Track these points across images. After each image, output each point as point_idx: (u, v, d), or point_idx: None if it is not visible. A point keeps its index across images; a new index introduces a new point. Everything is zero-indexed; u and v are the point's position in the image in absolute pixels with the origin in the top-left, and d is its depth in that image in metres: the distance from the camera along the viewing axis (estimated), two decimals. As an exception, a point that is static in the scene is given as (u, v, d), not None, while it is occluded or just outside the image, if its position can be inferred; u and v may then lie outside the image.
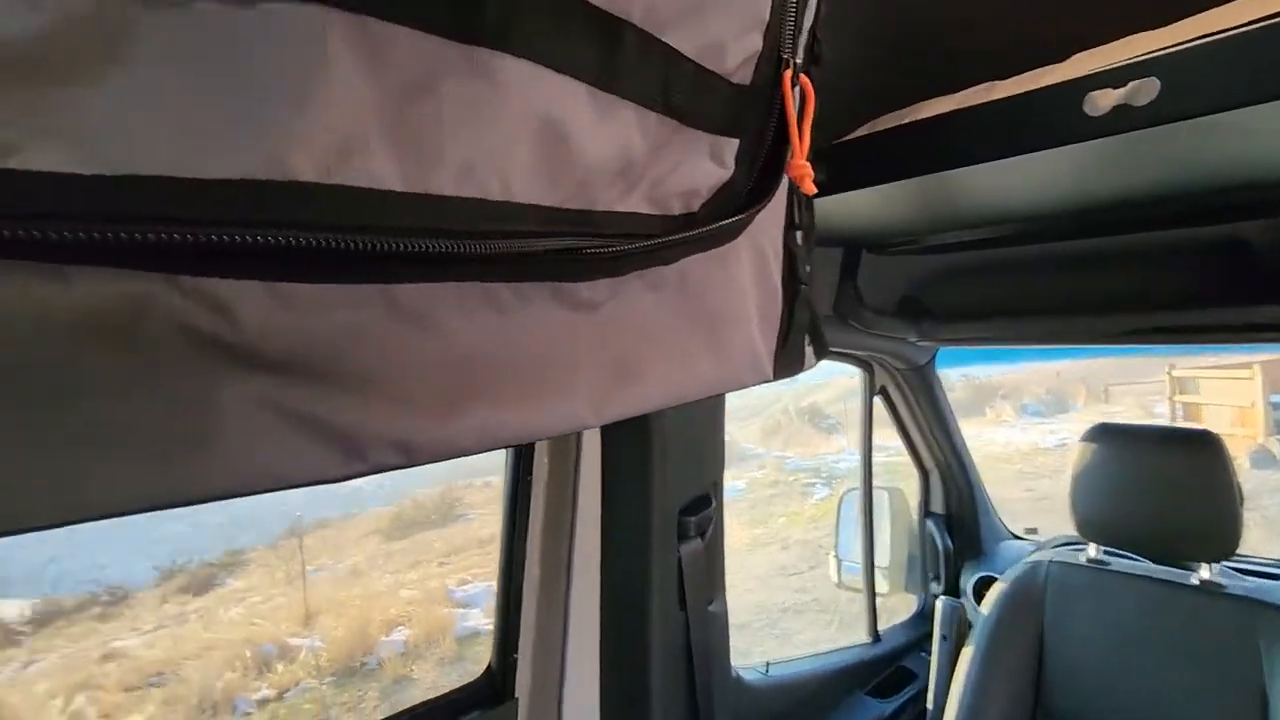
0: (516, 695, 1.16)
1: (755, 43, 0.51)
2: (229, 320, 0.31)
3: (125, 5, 0.24)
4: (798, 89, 0.56)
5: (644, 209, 0.47)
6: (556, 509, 1.18)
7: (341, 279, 0.33)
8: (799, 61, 0.54)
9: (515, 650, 1.17)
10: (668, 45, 0.44)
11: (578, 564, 1.18)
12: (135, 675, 6.91)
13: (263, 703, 5.93)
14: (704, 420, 1.24)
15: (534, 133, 0.37)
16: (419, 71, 0.31)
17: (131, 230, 0.25)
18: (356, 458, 0.36)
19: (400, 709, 1.05)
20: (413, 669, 5.72)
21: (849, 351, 1.88)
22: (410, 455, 0.39)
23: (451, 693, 1.13)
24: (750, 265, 0.60)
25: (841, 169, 0.94)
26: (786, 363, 0.67)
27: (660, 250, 0.48)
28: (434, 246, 0.33)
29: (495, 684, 1.17)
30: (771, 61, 0.53)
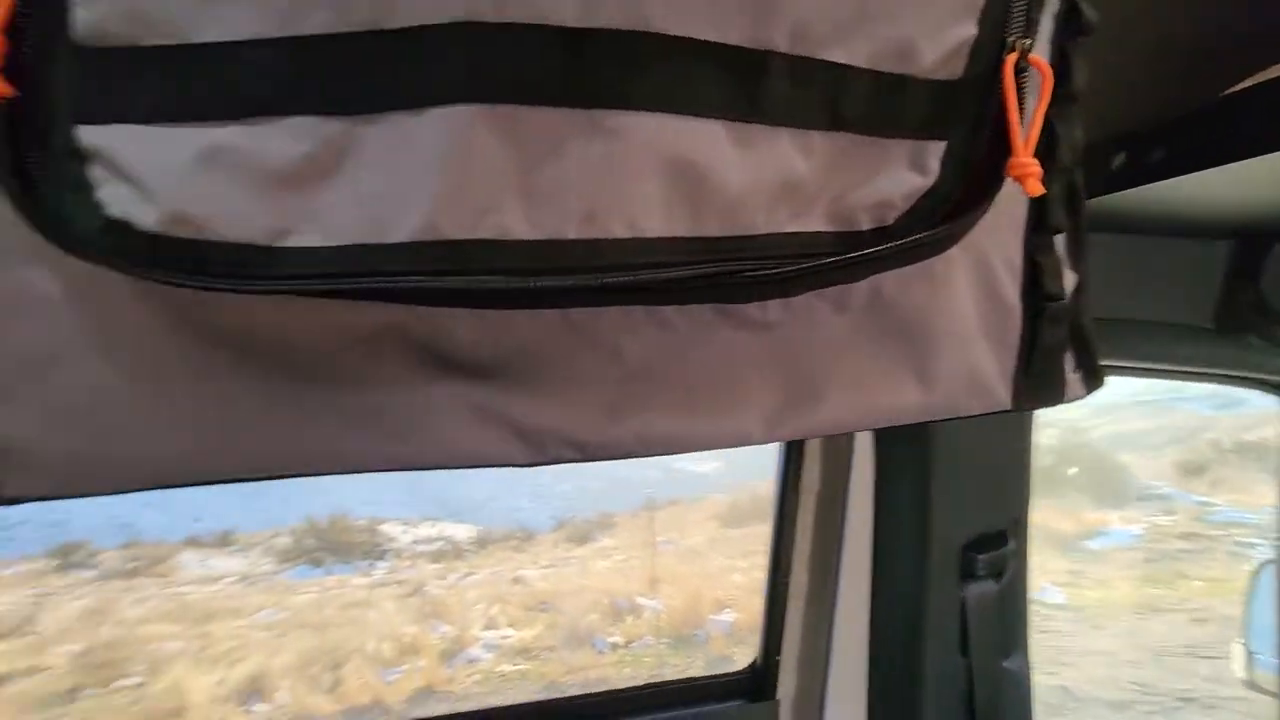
0: (778, 697, 1.19)
1: (967, 30, 0.45)
2: (449, 338, 0.43)
3: (352, 126, 0.36)
4: (1031, 73, 0.47)
5: (822, 226, 0.47)
6: (825, 521, 1.17)
7: (521, 305, 0.43)
8: (1029, 42, 0.46)
9: (778, 652, 1.19)
10: (828, 63, 0.42)
11: (846, 579, 1.14)
12: (530, 599, 8.76)
13: (614, 646, 6.93)
14: (1003, 445, 1.08)
15: (663, 174, 0.40)
16: (547, 140, 0.38)
17: (392, 282, 0.38)
18: (536, 449, 0.45)
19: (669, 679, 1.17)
20: (734, 651, 6.03)
21: (1255, 376, 1.39)
22: (583, 452, 0.47)
23: (717, 676, 1.21)
24: (969, 280, 0.52)
25: (1195, 143, 0.74)
26: (1034, 391, 0.57)
27: (841, 268, 0.47)
28: (553, 283, 0.40)
29: (758, 679, 1.21)
30: (991, 48, 0.46)
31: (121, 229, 0.34)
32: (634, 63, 0.38)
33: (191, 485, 0.41)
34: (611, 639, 6.81)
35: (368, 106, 0.36)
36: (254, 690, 6.86)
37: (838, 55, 0.43)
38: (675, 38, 0.38)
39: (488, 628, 7.62)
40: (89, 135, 0.34)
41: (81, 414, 0.38)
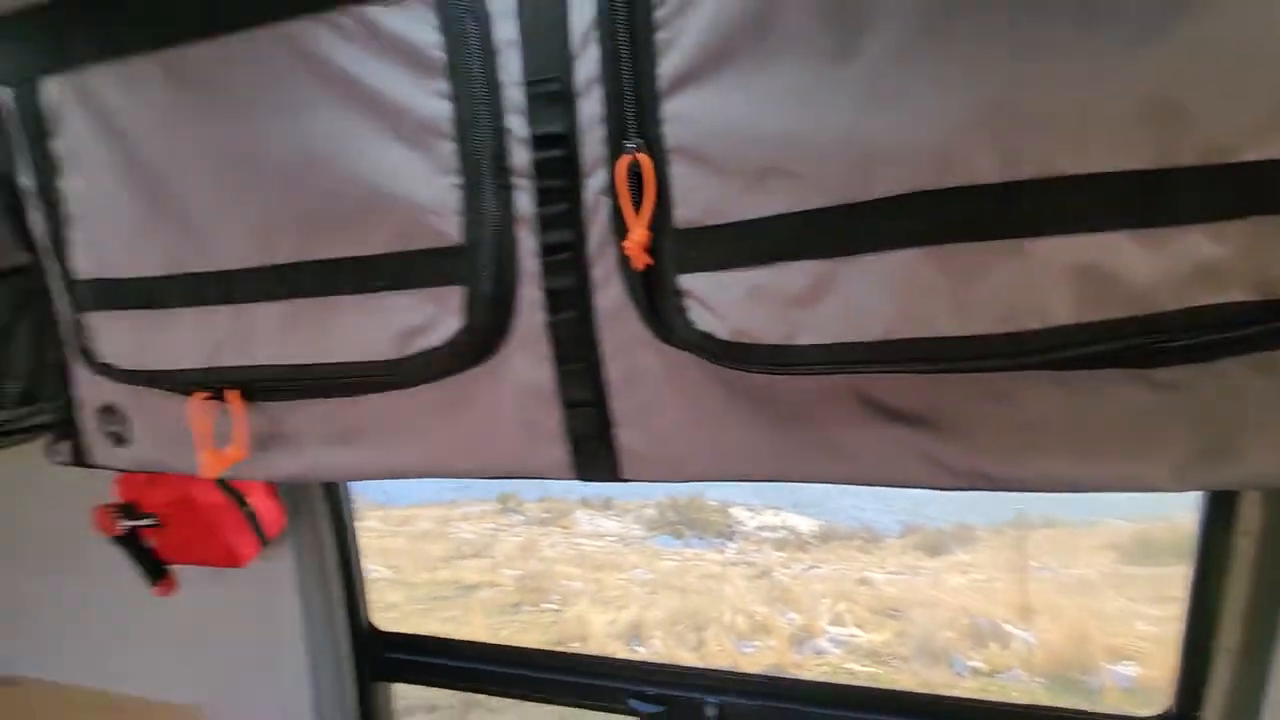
0: (1198, 757, 1.08)
1: None
2: (890, 395, 0.60)
3: (836, 266, 0.55)
4: None
5: (1244, 297, 0.49)
6: (1268, 567, 1.02)
7: (945, 372, 0.57)
8: None
9: (1196, 708, 1.09)
10: (1242, 164, 0.46)
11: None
12: (876, 603, 8.54)
13: (975, 671, 6.35)
14: None
15: (1071, 279, 0.49)
16: (974, 266, 0.51)
17: (866, 368, 0.57)
18: (952, 477, 0.59)
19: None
20: (1133, 709, 5.02)
21: None
22: (991, 483, 0.59)
23: (1128, 717, 1.16)
24: None
25: None
26: None
27: (1264, 336, 0.49)
28: (972, 366, 0.53)
29: (1172, 732, 1.12)
30: None
31: (708, 337, 0.59)
32: (1046, 201, 0.49)
33: (732, 481, 0.67)
34: (971, 663, 6.28)
35: (847, 251, 0.54)
36: (634, 634, 8.09)
37: (1251, 155, 0.45)
38: (1081, 175, 0.48)
39: (834, 623, 7.73)
40: (684, 280, 0.60)
41: (670, 436, 0.66)
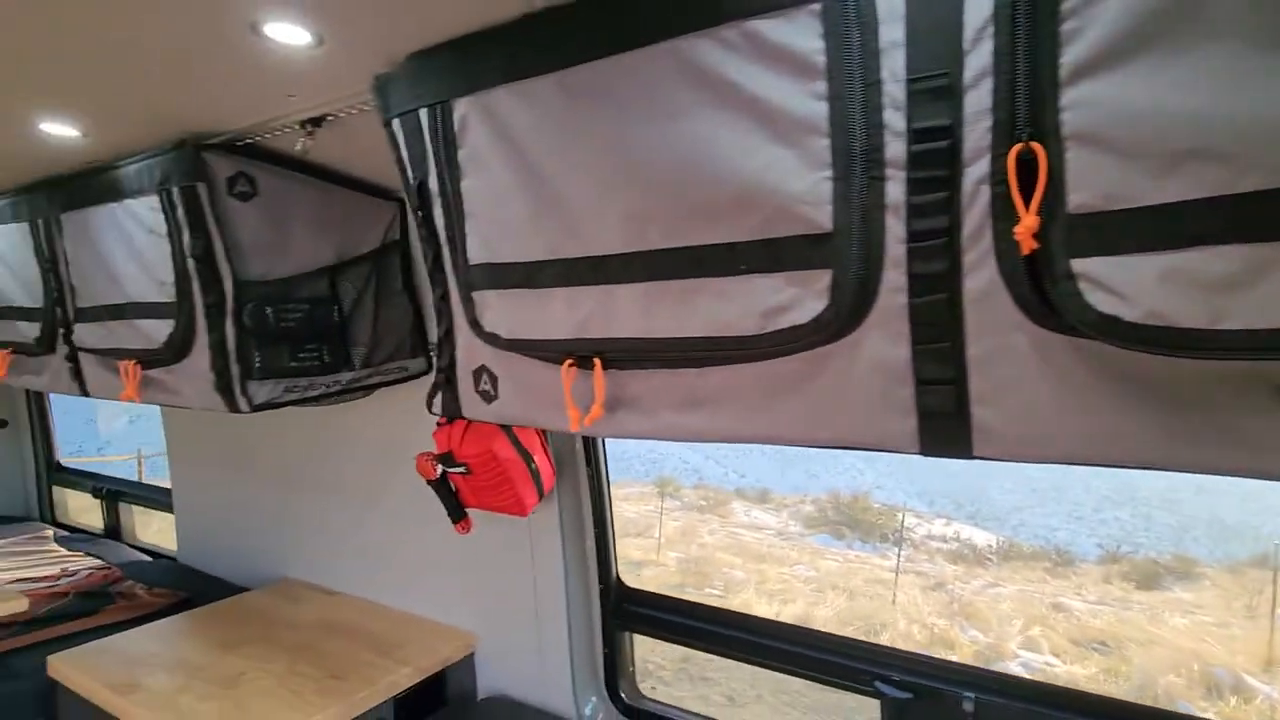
0: None
1: None
2: None
3: (1272, 253, 0.54)
4: None
5: None
6: None
7: None
8: None
9: None
10: None
11: None
12: (1078, 633, 7.68)
13: (1208, 725, 5.53)
14: None
15: None
16: None
17: None
18: None
19: None
20: None
21: None
22: None
23: None
24: None
25: None
26: None
27: None
28: None
29: None
30: None
31: (1112, 320, 0.60)
32: None
33: (1094, 466, 0.67)
34: (1205, 715, 5.46)
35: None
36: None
37: None
38: None
39: (1026, 647, 7.07)
40: (1078, 264, 0.62)
41: (1033, 416, 0.68)
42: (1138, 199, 0.59)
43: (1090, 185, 0.61)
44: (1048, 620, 7.84)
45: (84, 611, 2.18)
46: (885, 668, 1.40)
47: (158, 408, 2.29)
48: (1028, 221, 0.63)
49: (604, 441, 1.74)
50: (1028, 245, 0.63)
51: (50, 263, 1.74)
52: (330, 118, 1.25)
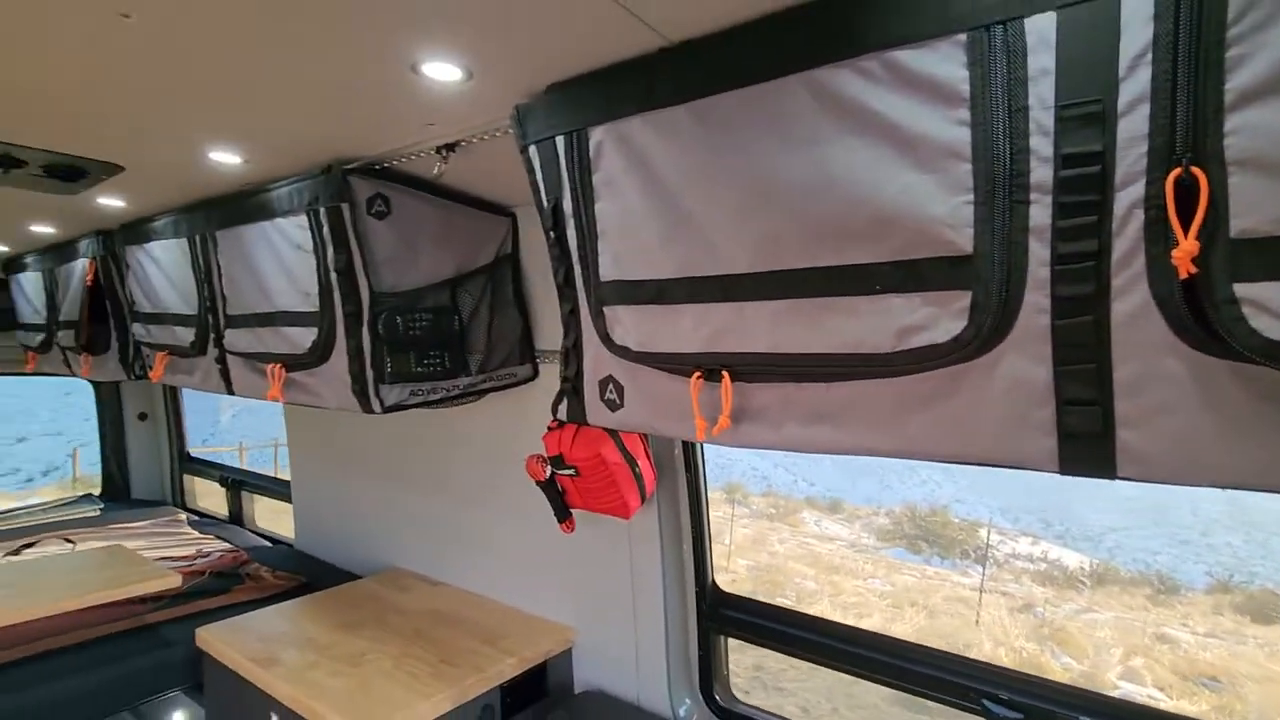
0: None
1: None
2: None
3: None
4: None
5: None
6: None
7: None
8: None
9: None
10: None
11: None
12: (1186, 666, 7.13)
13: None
14: None
15: None
16: None
17: None
18: None
19: None
20: None
21: None
22: None
23: None
24: None
25: None
26: None
27: None
28: None
29: None
30: None
31: (1278, 345, 0.60)
32: None
33: (1249, 490, 0.67)
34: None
35: None
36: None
37: None
38: None
39: (1126, 678, 6.61)
40: (1241, 289, 0.62)
41: (1185, 439, 0.68)
42: None
43: (1255, 210, 0.61)
44: (1150, 651, 7.34)
45: (218, 589, 2.40)
46: (994, 686, 1.38)
47: (257, 405, 2.50)
48: (1186, 245, 0.63)
49: (703, 449, 1.78)
50: (1185, 269, 0.64)
51: (205, 274, 1.94)
52: (463, 143, 1.35)
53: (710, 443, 1.05)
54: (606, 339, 1.11)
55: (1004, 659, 7.10)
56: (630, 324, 1.07)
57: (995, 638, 7.74)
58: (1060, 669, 6.86)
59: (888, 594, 10.39)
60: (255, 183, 1.70)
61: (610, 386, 1.15)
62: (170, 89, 1.16)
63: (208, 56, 1.04)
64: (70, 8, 0.89)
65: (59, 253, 2.62)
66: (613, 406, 1.15)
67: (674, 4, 0.87)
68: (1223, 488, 0.68)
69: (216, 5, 0.88)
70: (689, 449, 1.76)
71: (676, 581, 1.81)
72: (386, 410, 1.58)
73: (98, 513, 3.47)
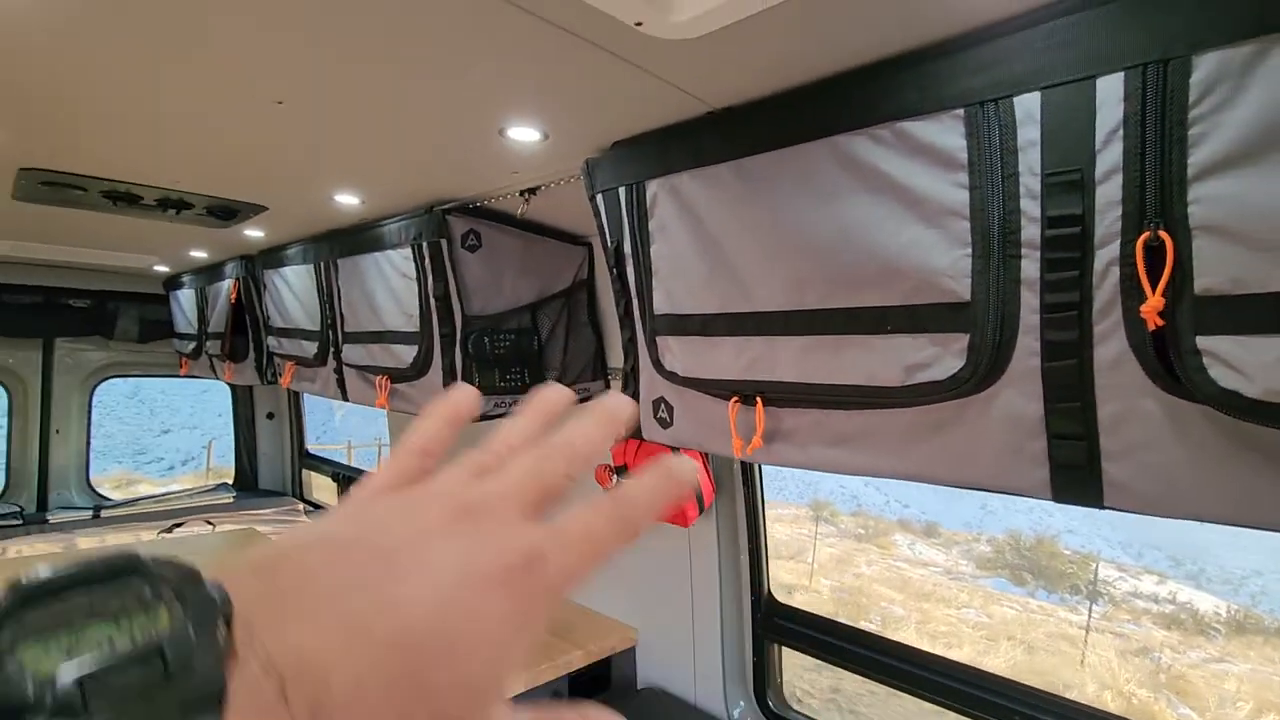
0: None
1: None
2: None
3: None
4: None
5: None
6: None
7: None
8: None
9: None
10: None
11: None
12: (1330, 729, 6.33)
13: None
14: None
15: None
16: None
17: None
18: None
19: None
20: None
21: None
22: None
23: None
24: None
25: None
26: None
27: None
28: None
29: None
30: None
31: (1232, 394, 0.66)
32: None
33: (1234, 525, 0.72)
34: None
35: None
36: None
37: None
38: None
39: (1254, 736, 5.95)
40: (1203, 341, 0.68)
41: (1164, 473, 0.74)
42: (1262, 285, 0.64)
43: (1216, 271, 0.67)
44: (1285, 708, 6.61)
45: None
46: (1045, 713, 1.40)
47: (363, 409, 2.81)
48: (1153, 302, 0.70)
49: (761, 466, 1.88)
50: (1153, 322, 0.71)
51: (327, 296, 2.24)
52: (543, 187, 1.54)
53: (746, 459, 1.16)
54: (659, 364, 1.25)
55: (1110, 703, 6.60)
56: (679, 352, 1.21)
57: (1101, 680, 7.19)
58: (1175, 718, 6.32)
59: (983, 625, 9.83)
60: (370, 219, 1.97)
61: (662, 406, 1.29)
62: (309, 151, 1.42)
63: (339, 128, 1.28)
64: (238, 96, 1.14)
65: (209, 273, 3.06)
66: (664, 424, 1.29)
67: (716, 79, 1.01)
68: (1203, 521, 0.74)
69: (347, 93, 1.11)
70: (746, 466, 1.87)
71: (733, 589, 1.91)
72: (474, 420, 1.79)
73: (231, 500, 3.96)
